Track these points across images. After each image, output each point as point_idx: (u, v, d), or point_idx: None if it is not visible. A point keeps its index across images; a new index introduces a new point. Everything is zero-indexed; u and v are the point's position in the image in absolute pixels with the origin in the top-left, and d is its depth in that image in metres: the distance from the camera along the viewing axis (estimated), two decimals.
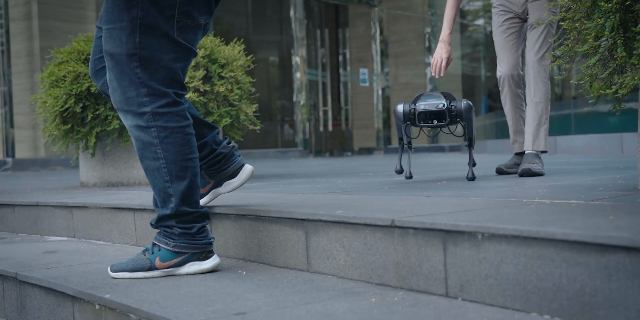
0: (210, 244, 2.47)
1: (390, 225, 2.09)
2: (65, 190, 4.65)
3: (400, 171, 3.83)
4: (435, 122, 3.68)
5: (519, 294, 1.74)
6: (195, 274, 2.43)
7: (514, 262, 1.75)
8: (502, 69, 4.12)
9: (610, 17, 2.48)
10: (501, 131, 13.09)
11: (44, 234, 3.76)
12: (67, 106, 4.59)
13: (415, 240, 2.02)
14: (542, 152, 4.04)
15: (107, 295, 2.17)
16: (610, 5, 2.46)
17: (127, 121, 2.40)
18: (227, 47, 5.11)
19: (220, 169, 2.68)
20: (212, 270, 2.46)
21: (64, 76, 4.65)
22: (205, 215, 2.47)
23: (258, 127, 5.18)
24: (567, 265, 1.64)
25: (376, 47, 17.55)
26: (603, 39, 2.54)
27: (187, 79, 4.66)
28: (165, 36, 2.35)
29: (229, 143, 2.68)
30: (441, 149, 16.18)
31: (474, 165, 3.80)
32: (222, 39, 5.22)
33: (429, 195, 2.95)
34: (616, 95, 2.58)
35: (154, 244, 2.44)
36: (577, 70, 2.82)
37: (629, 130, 8.06)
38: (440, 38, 4.13)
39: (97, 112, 4.64)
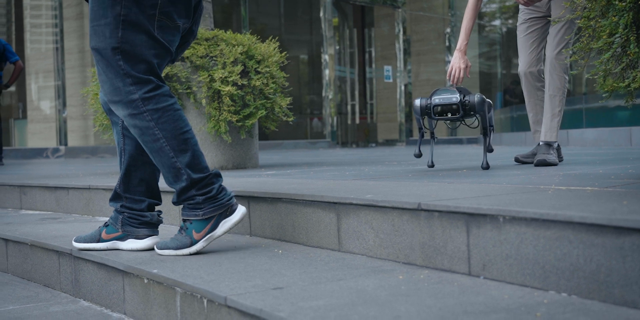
0: (232, 198, 2.48)
1: (416, 209, 2.08)
2: (114, 175, 4.68)
3: (419, 155, 3.83)
4: (449, 115, 3.65)
5: (538, 273, 1.73)
6: (224, 233, 2.44)
7: (533, 243, 1.73)
8: (520, 66, 4.10)
9: (624, 15, 2.44)
10: (516, 124, 12.98)
11: (95, 214, 3.79)
12: None
13: (440, 223, 2.00)
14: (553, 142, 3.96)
15: (155, 271, 2.18)
16: (624, 4, 2.42)
17: (120, 111, 2.42)
18: (263, 45, 5.11)
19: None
20: (241, 220, 2.47)
21: None
22: (218, 174, 2.48)
23: (291, 119, 5.18)
24: (584, 246, 1.62)
25: (399, 46, 17.47)
26: (617, 35, 2.50)
27: (225, 74, 4.67)
28: (146, 33, 2.37)
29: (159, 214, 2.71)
30: (459, 141, 16.09)
31: (491, 151, 3.75)
32: (259, 37, 5.22)
33: (451, 181, 2.93)
34: (628, 89, 2.54)
35: (184, 220, 2.44)
36: (591, 66, 2.78)
37: (638, 124, 7.97)
38: (457, 47, 4.08)
39: None
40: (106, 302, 2.49)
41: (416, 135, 17.20)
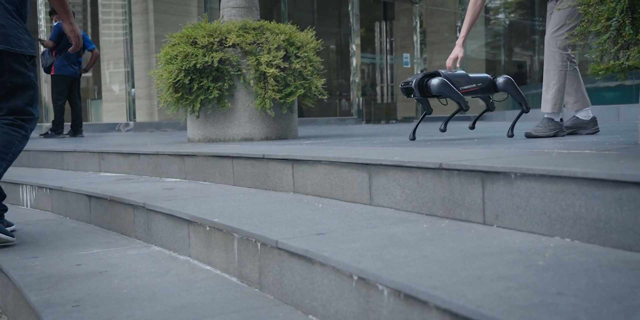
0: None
1: (438, 168, 2.06)
2: (177, 144, 4.71)
3: (413, 139, 3.84)
4: (413, 96, 3.60)
5: (544, 222, 1.70)
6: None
7: (541, 196, 1.71)
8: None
9: (621, 1, 2.37)
10: (516, 104, 12.80)
11: (162, 176, 3.82)
12: (178, 79, 4.62)
13: (459, 179, 1.98)
14: (552, 114, 3.69)
15: (216, 219, 2.20)
16: None
17: None
18: (302, 33, 5.07)
19: None
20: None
21: (176, 55, 4.67)
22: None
23: (325, 97, 5.14)
24: (586, 198, 1.59)
25: (416, 37, 17.26)
26: (614, 19, 2.44)
27: (270, 58, 4.64)
28: None
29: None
30: (467, 118, 15.92)
31: (444, 125, 3.76)
32: (298, 26, 5.18)
33: (466, 147, 2.90)
34: (623, 67, 2.48)
35: None
36: (588, 47, 2.71)
37: (624, 102, 7.81)
38: (457, 42, 4.02)
39: (201, 84, 4.67)
40: (174, 246, 2.51)
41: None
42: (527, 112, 3.80)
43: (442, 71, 3.61)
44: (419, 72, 17.03)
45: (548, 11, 3.95)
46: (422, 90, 3.55)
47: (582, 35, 2.71)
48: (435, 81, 3.49)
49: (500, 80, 3.72)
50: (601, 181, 1.55)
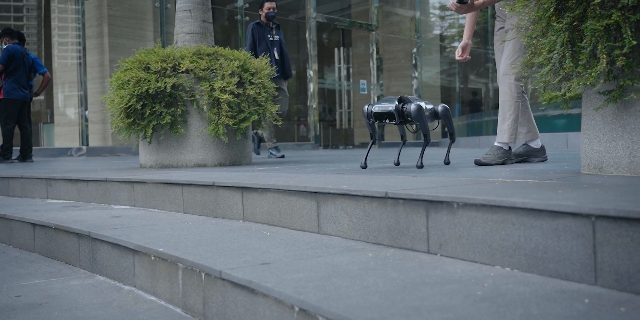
0: None
1: (384, 197, 2.08)
2: (128, 170, 4.65)
3: (364, 167, 3.71)
4: (387, 122, 3.54)
5: (485, 251, 1.73)
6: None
7: (482, 225, 1.74)
8: (497, 72, 3.98)
9: (561, 35, 2.46)
10: (471, 130, 13.01)
11: (111, 203, 3.76)
12: (130, 104, 4.58)
13: (404, 208, 2.00)
14: (507, 143, 3.79)
15: (161, 249, 2.17)
16: (561, 25, 2.44)
17: None
18: (256, 60, 5.09)
19: None
20: None
21: (128, 80, 4.64)
22: None
23: (280, 123, 5.16)
24: (525, 228, 1.62)
25: (373, 63, 17.47)
26: (555, 52, 2.52)
27: (224, 84, 4.65)
28: None
29: None
30: (420, 145, 16.11)
31: (421, 167, 3.59)
32: (253, 53, 5.20)
33: (414, 175, 2.94)
34: (564, 98, 2.56)
35: None
36: (533, 78, 2.79)
37: (573, 130, 8.02)
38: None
39: (154, 109, 4.64)
40: (119, 276, 2.47)
41: (387, 139, 17.24)
42: (453, 141, 3.93)
43: (410, 97, 3.62)
44: (375, 99, 17.23)
45: (496, 42, 4.07)
46: (401, 116, 3.53)
47: (525, 67, 2.79)
48: (414, 107, 3.48)
49: (440, 108, 3.75)
50: (539, 211, 1.59)
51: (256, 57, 7.27)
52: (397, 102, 3.50)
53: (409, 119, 3.52)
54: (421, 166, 3.57)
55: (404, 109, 3.49)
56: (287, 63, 7.90)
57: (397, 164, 3.86)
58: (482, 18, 18.81)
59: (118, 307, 2.10)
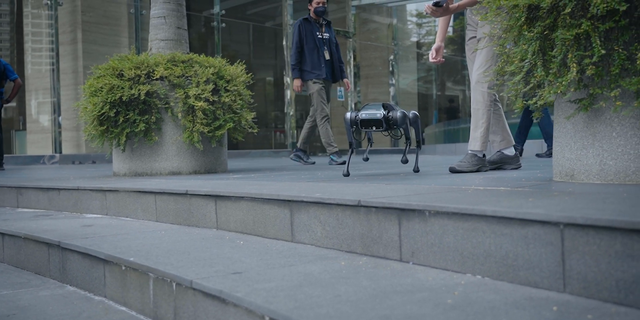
0: None
1: (357, 205, 2.08)
2: (101, 178, 4.61)
3: (347, 175, 3.75)
4: (374, 129, 3.57)
5: (457, 259, 1.74)
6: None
7: (453, 233, 1.75)
8: (471, 81, 4.01)
9: (532, 44, 2.49)
10: (448, 137, 13.12)
11: (83, 212, 3.73)
12: (103, 111, 4.55)
13: (377, 217, 2.01)
14: (479, 151, 3.83)
15: (132, 259, 2.15)
16: (532, 34, 2.47)
17: None
18: (232, 67, 5.09)
19: None
20: None
21: (101, 87, 4.61)
22: None
23: (255, 131, 5.15)
24: (495, 235, 1.64)
25: (350, 70, 17.54)
26: (526, 61, 2.55)
27: (199, 91, 4.64)
28: None
29: None
30: (401, 151, 16.20)
31: (406, 162, 3.71)
32: (228, 60, 5.20)
33: (388, 183, 2.95)
34: (536, 106, 2.59)
35: None
36: (505, 86, 2.82)
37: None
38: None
39: (127, 117, 4.61)
40: (89, 286, 2.44)
41: (364, 145, 17.28)
42: (419, 148, 4.00)
43: (391, 104, 3.65)
44: (353, 106, 17.29)
45: (468, 51, 4.11)
46: (387, 123, 3.56)
47: (498, 75, 2.83)
48: (399, 114, 3.52)
49: (410, 115, 3.77)
50: (509, 219, 1.61)
51: (303, 56, 6.86)
52: (383, 109, 3.53)
53: (395, 126, 3.57)
54: (417, 170, 3.85)
55: (390, 115, 3.53)
56: (337, 64, 7.14)
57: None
58: (459, 26, 18.99)
59: (88, 318, 2.08)
